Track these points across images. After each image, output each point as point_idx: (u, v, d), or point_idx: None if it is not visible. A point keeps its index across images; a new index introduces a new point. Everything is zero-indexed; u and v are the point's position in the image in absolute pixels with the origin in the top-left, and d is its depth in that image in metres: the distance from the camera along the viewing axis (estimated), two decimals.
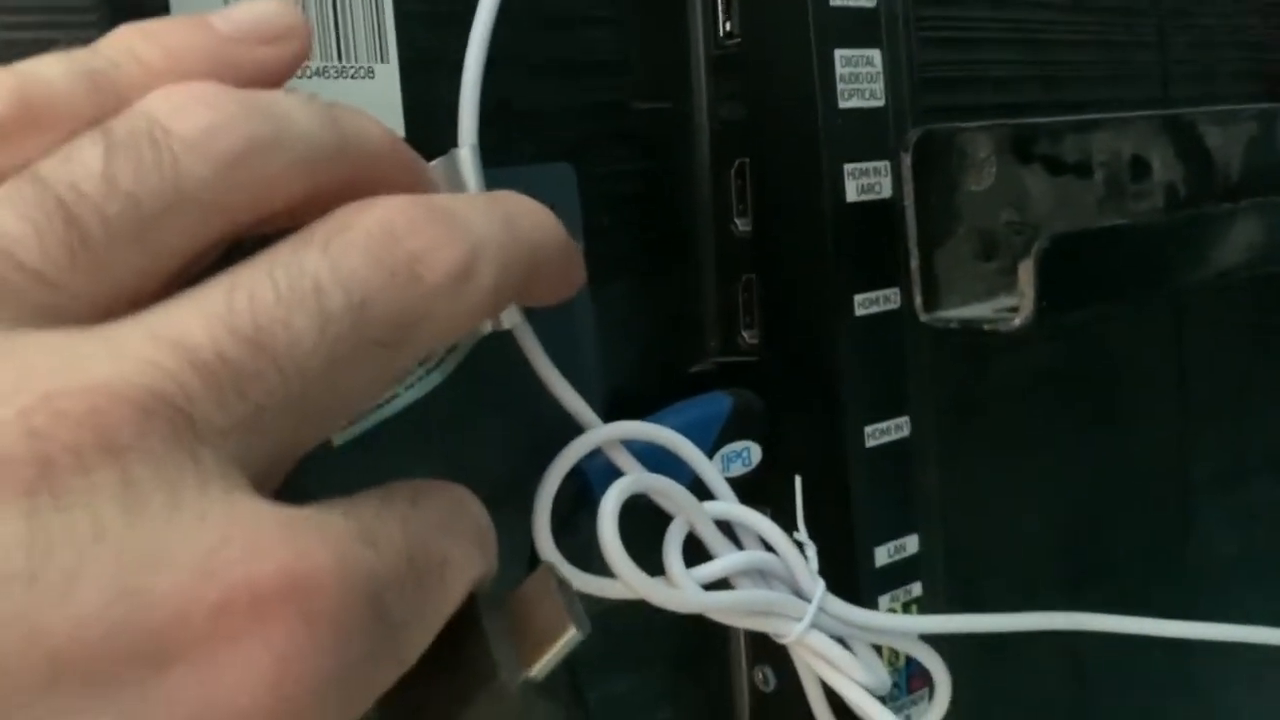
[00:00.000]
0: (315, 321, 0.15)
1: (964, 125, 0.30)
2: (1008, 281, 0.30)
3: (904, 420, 0.31)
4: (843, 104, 0.30)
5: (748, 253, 0.31)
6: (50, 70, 0.15)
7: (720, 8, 0.31)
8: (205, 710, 0.12)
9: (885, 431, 0.31)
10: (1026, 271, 0.25)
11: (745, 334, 0.32)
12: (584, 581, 0.26)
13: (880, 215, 0.30)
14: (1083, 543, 0.38)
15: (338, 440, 0.23)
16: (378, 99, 0.25)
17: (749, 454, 0.31)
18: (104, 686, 0.12)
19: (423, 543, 0.16)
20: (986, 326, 0.27)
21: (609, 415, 0.29)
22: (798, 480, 0.30)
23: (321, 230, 0.16)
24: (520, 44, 0.27)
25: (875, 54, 0.31)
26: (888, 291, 0.31)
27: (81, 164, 0.14)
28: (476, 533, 0.18)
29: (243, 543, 0.13)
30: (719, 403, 0.30)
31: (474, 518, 0.18)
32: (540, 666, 0.18)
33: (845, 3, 0.29)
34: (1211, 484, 0.42)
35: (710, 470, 0.28)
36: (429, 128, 0.24)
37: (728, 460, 0.30)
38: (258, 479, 0.14)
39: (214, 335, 0.14)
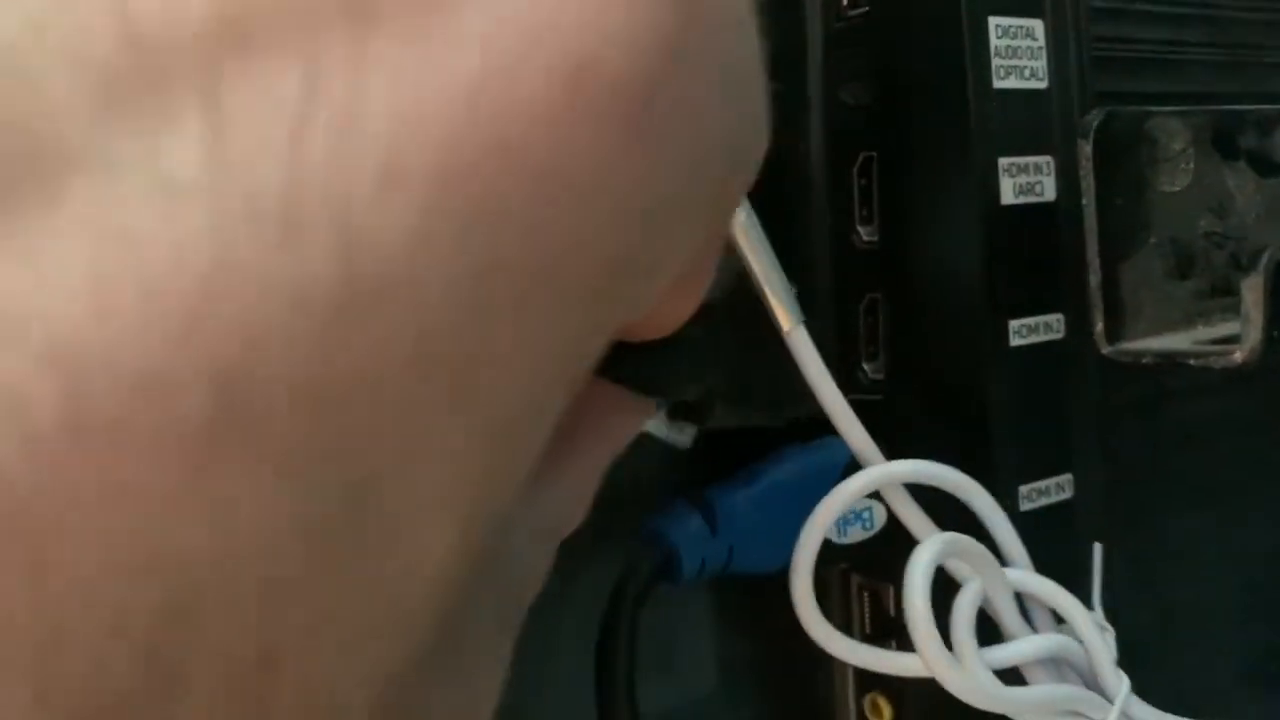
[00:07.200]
0: None
1: (1155, 109, 0.24)
2: (1207, 306, 0.24)
3: (1067, 479, 0.26)
4: (998, 84, 0.24)
5: (872, 268, 0.26)
6: None
7: None
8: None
9: (1044, 492, 0.25)
10: (1255, 290, 0.19)
11: (867, 367, 0.27)
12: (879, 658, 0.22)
13: (1042, 222, 0.25)
14: None
15: None
16: None
17: (870, 516, 0.26)
18: None
19: None
20: (1195, 361, 0.21)
21: (691, 463, 0.26)
22: (1097, 548, 0.24)
23: None
24: None
25: (1037, 25, 0.25)
26: (1050, 318, 0.25)
27: None
28: None
29: None
30: (834, 451, 0.25)
31: None
32: None
33: None
34: None
35: (1008, 530, 0.23)
36: None
37: (844, 524, 0.26)
38: None
39: None
